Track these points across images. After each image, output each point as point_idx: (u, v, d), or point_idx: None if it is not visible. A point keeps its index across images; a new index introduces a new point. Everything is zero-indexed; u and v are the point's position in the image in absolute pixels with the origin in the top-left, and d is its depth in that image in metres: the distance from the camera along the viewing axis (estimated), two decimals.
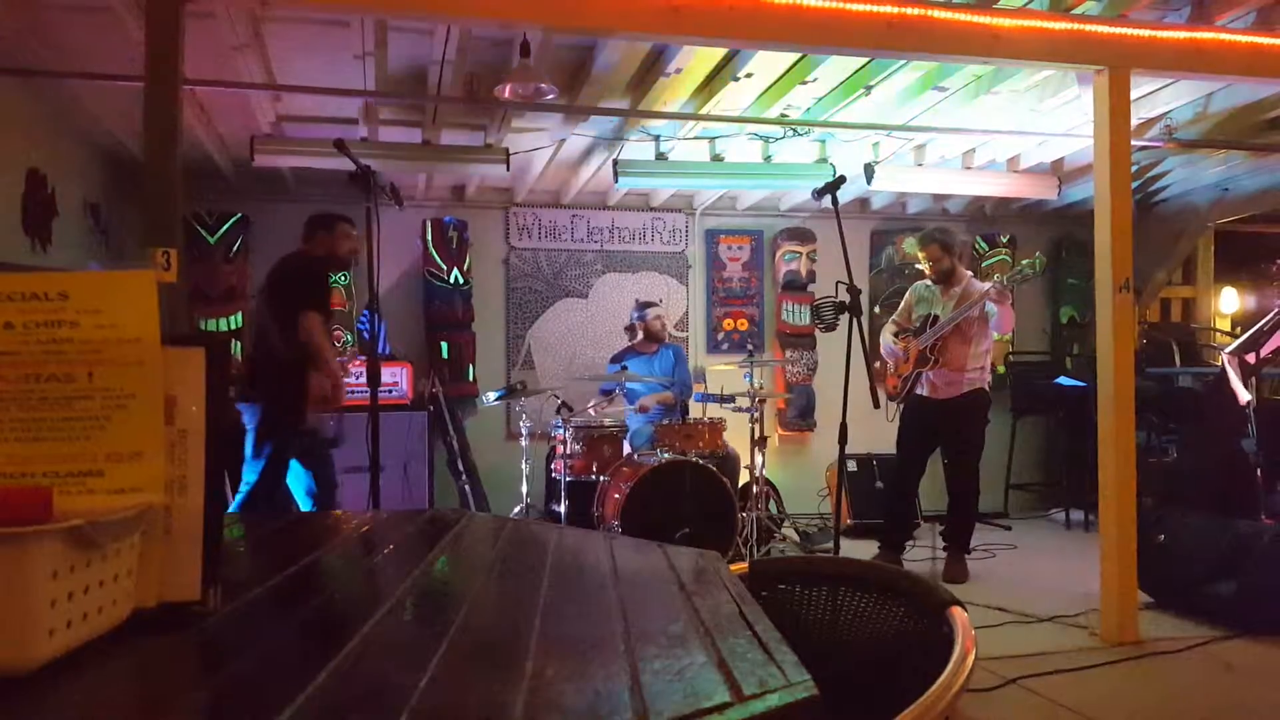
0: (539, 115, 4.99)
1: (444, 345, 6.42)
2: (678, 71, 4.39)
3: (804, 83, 4.56)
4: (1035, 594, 4.49)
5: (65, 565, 0.81)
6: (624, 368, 5.80)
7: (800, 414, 7.00)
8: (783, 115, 5.15)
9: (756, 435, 5.25)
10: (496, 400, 5.88)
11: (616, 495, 4.86)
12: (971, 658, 1.12)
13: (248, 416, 4.04)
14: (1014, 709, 3.17)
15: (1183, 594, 4.23)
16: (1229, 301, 8.00)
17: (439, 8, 3.52)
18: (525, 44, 3.98)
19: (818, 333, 7.01)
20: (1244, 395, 4.76)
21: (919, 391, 5.01)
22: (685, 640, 0.95)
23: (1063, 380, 6.71)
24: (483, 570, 1.42)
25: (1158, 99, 4.87)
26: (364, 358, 4.61)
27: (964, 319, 4.81)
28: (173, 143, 3.08)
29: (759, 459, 5.25)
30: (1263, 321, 4.89)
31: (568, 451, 5.25)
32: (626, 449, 5.47)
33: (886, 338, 5.24)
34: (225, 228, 6.12)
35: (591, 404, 5.79)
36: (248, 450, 4.04)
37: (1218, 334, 7.61)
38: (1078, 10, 3.93)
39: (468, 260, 6.53)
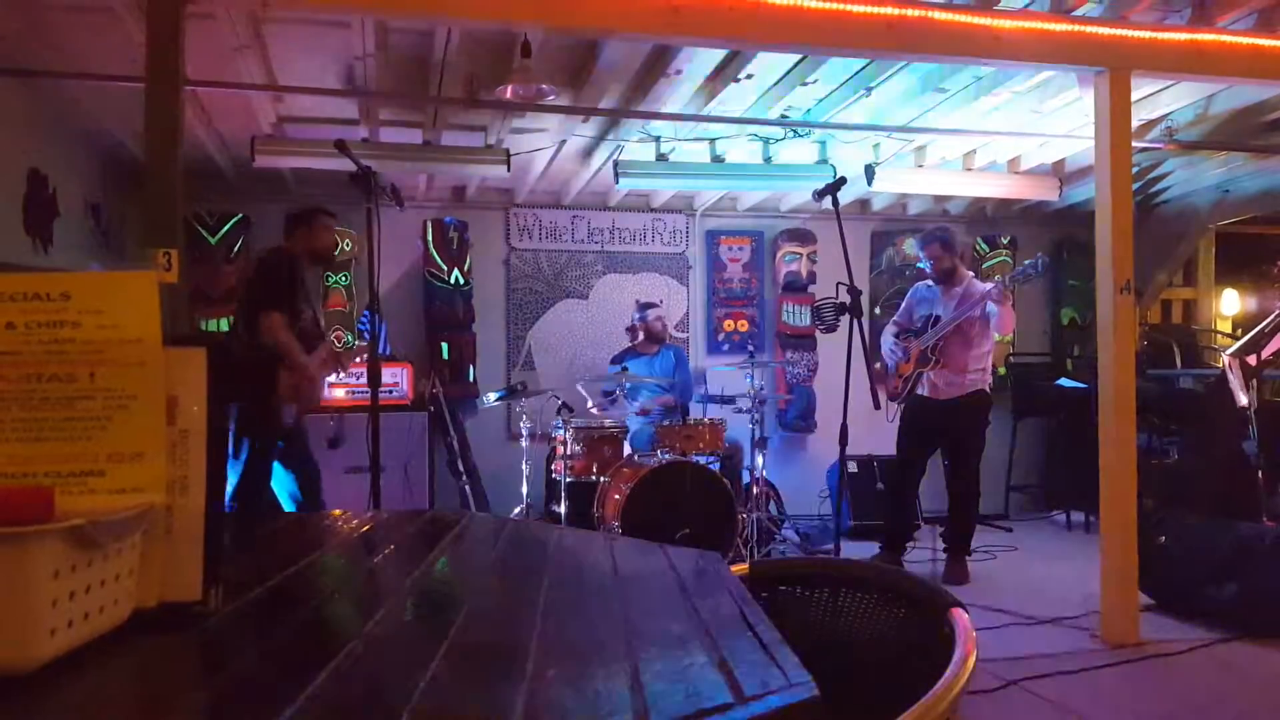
0: (540, 116, 4.99)
1: (444, 346, 6.41)
2: (678, 73, 4.39)
3: (804, 84, 4.57)
4: (1036, 596, 4.49)
5: (66, 565, 0.81)
6: (624, 368, 5.80)
7: (801, 415, 7.00)
8: (783, 116, 5.15)
9: (756, 436, 5.26)
10: (497, 401, 5.88)
11: (617, 496, 4.86)
12: (972, 659, 1.12)
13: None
14: (1015, 711, 3.16)
15: (1183, 596, 4.22)
16: (1230, 303, 8.00)
17: (439, 8, 3.52)
18: (526, 44, 3.98)
19: (818, 334, 7.00)
20: (1241, 398, 4.76)
21: (920, 392, 5.01)
22: (686, 641, 0.95)
23: (1063, 382, 6.71)
24: (483, 571, 1.41)
25: (1159, 100, 4.87)
26: (363, 358, 4.59)
27: (965, 319, 4.81)
28: (174, 143, 3.08)
29: (759, 460, 5.25)
30: (1264, 323, 4.89)
31: (568, 452, 5.25)
32: (627, 450, 5.47)
33: (887, 338, 5.24)
34: (226, 228, 6.12)
35: (592, 405, 5.79)
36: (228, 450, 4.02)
37: (1219, 335, 7.61)
38: (1078, 11, 3.93)
39: (468, 261, 6.53)
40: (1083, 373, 6.78)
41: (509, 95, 4.17)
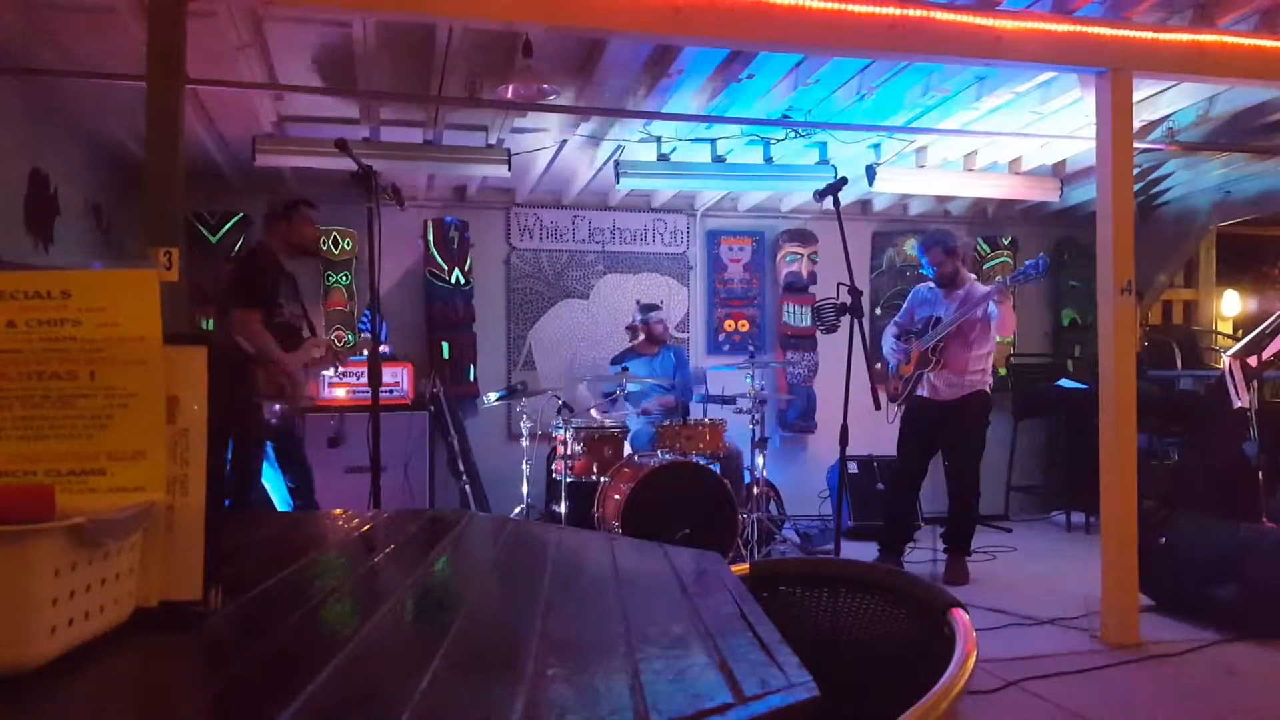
0: (541, 115, 4.99)
1: (445, 345, 6.42)
2: (680, 72, 4.39)
3: (806, 84, 4.57)
4: (1036, 596, 4.49)
5: (67, 563, 0.81)
6: (625, 369, 5.80)
7: (801, 415, 7.00)
8: (784, 116, 5.15)
9: (757, 437, 5.25)
10: (497, 401, 5.88)
11: (617, 496, 4.86)
12: (972, 660, 1.12)
13: None
14: (1015, 711, 3.16)
15: (1184, 597, 4.22)
16: (1231, 304, 7.99)
17: (439, 8, 3.51)
18: (528, 43, 3.98)
19: (819, 334, 7.01)
20: (1236, 400, 4.75)
21: (920, 393, 5.00)
22: (686, 641, 0.95)
23: (1064, 382, 6.70)
24: (483, 571, 1.41)
25: (1160, 101, 4.87)
26: (361, 358, 4.57)
27: (966, 320, 4.81)
28: (175, 142, 3.08)
29: (759, 460, 5.25)
30: (1265, 324, 4.88)
31: (568, 452, 5.25)
32: (627, 450, 5.47)
33: (888, 339, 5.24)
34: (227, 227, 6.13)
35: (592, 406, 5.79)
36: None
37: (1219, 337, 7.61)
38: (1080, 12, 3.93)
39: (469, 260, 6.54)
40: (1083, 373, 6.78)
41: (510, 95, 4.17)
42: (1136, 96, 4.10)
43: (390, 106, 5.01)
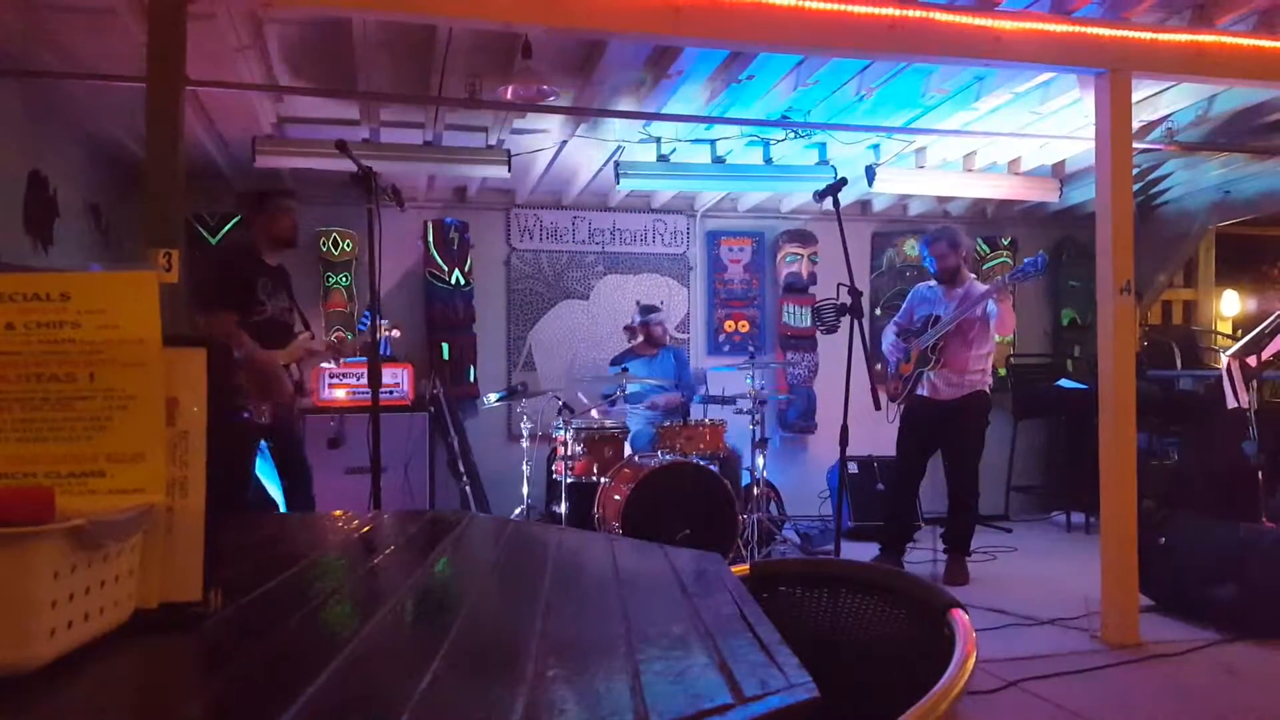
0: (541, 116, 4.99)
1: (445, 346, 6.42)
2: (680, 73, 4.39)
3: (806, 85, 4.57)
4: (1036, 596, 4.48)
5: (67, 565, 0.81)
6: (625, 370, 5.80)
7: (801, 416, 7.00)
8: (784, 117, 5.15)
9: (757, 437, 5.25)
10: (497, 401, 5.88)
11: (617, 497, 4.86)
12: (972, 660, 1.12)
13: None
14: (1015, 711, 3.16)
15: (1184, 597, 4.22)
16: (1230, 304, 7.99)
17: (439, 8, 3.52)
18: (527, 44, 3.98)
19: (819, 335, 7.01)
20: (1231, 400, 4.75)
21: (920, 392, 5.01)
22: (686, 642, 0.95)
23: (1064, 382, 6.70)
24: (483, 572, 1.41)
25: (1159, 102, 4.87)
26: (361, 359, 4.53)
27: (965, 319, 4.81)
28: (175, 144, 3.08)
29: (759, 460, 5.25)
30: (1264, 324, 4.88)
31: (569, 453, 5.25)
32: (627, 450, 5.47)
33: (888, 339, 5.24)
34: (227, 228, 6.12)
35: (592, 410, 5.79)
36: None
37: (1219, 337, 7.61)
38: (1079, 13, 3.93)
39: (469, 261, 6.54)
40: (1083, 373, 6.78)
41: (510, 96, 4.17)
42: (1135, 97, 4.10)
43: (390, 108, 5.01)
